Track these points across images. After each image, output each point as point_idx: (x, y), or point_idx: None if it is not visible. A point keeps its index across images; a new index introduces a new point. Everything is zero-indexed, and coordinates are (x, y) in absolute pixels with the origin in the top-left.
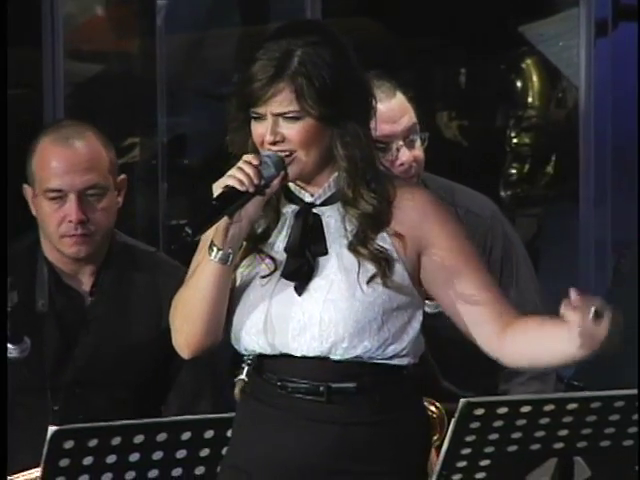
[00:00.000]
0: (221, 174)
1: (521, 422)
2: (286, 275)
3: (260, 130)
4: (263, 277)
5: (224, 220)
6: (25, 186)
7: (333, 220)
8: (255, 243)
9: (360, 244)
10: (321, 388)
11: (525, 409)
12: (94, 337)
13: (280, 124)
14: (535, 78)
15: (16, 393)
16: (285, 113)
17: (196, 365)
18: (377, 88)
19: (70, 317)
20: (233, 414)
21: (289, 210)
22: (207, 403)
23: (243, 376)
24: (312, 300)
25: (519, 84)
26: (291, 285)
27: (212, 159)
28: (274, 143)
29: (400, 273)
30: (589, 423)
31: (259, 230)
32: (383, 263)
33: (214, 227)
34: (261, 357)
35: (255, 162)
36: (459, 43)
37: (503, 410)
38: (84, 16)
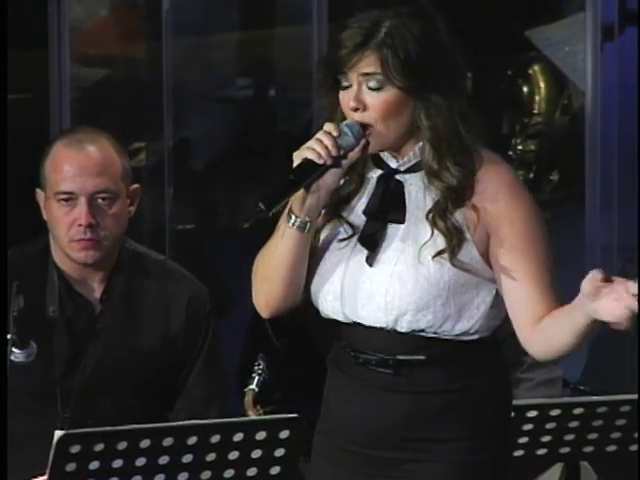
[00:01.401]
0: (227, 177)
1: (527, 427)
2: (362, 240)
3: (345, 99)
4: (341, 241)
5: (301, 191)
6: (38, 190)
7: (415, 190)
8: (337, 206)
9: (439, 215)
10: (390, 361)
11: (531, 414)
12: (103, 345)
13: (364, 92)
14: (542, 84)
15: (23, 398)
16: (369, 81)
17: (204, 373)
18: None
19: (80, 324)
20: (238, 419)
21: (373, 175)
22: (215, 411)
23: (253, 386)
24: (380, 270)
25: (526, 90)
26: (365, 253)
27: (218, 162)
28: (356, 110)
29: (468, 251)
30: (595, 427)
31: (342, 193)
32: (454, 240)
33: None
34: (340, 326)
35: (334, 133)
36: (465, 48)
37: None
38: (90, 20)
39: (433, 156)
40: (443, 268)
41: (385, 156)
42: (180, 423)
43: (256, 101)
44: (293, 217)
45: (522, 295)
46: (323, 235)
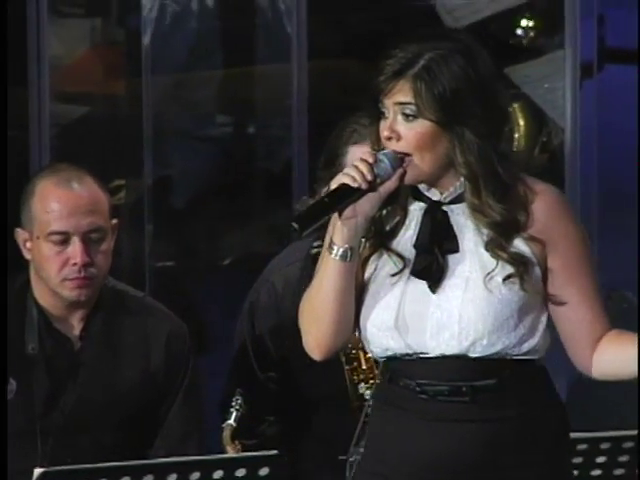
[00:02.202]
0: (206, 215)
1: None
2: (416, 273)
3: (382, 127)
4: (392, 275)
5: (335, 217)
6: (18, 230)
7: (462, 218)
8: (382, 240)
9: (498, 248)
10: (464, 388)
11: None
12: (83, 382)
13: (398, 121)
14: (521, 122)
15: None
16: (404, 104)
17: (184, 409)
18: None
19: (59, 362)
20: (218, 456)
21: (416, 208)
22: (194, 447)
23: (231, 421)
24: (449, 299)
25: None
26: (423, 283)
27: (198, 200)
28: (389, 139)
29: (537, 276)
30: (576, 465)
31: (387, 227)
32: (522, 267)
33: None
34: (394, 363)
35: (370, 160)
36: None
37: None
38: (70, 58)
39: (472, 192)
40: (512, 290)
41: (425, 189)
42: (160, 460)
43: (236, 139)
44: (335, 247)
45: (579, 314)
46: (370, 268)
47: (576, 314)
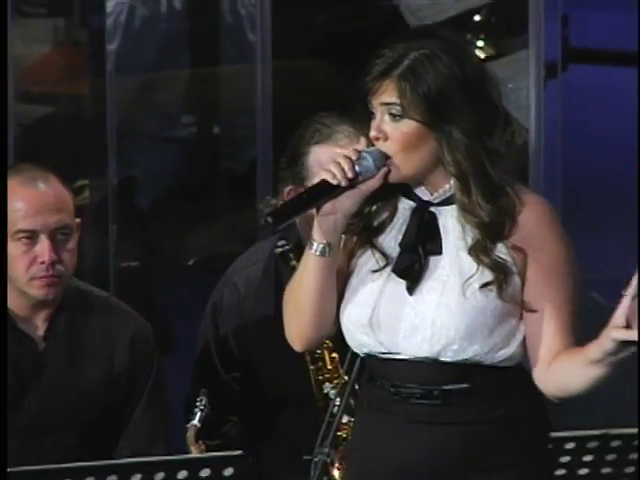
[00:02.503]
0: (171, 215)
1: None
2: (397, 271)
3: (371, 126)
4: (374, 271)
5: (312, 212)
6: None
7: (450, 221)
8: (369, 236)
9: (481, 252)
10: (435, 392)
11: None
12: (47, 383)
13: (385, 121)
14: None
15: None
16: (390, 105)
17: (149, 409)
18: (339, 133)
19: (23, 362)
20: (182, 456)
21: (405, 206)
22: (159, 448)
23: (195, 421)
24: (424, 301)
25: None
26: (402, 283)
27: (162, 200)
28: (377, 139)
29: (515, 285)
30: (585, 463)
31: (375, 223)
32: (501, 275)
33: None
34: (372, 362)
35: (353, 157)
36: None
37: None
38: (33, 58)
39: (462, 190)
40: (489, 298)
41: (416, 188)
42: (124, 460)
43: (200, 139)
44: (314, 243)
45: (542, 326)
46: (355, 263)
47: (542, 326)
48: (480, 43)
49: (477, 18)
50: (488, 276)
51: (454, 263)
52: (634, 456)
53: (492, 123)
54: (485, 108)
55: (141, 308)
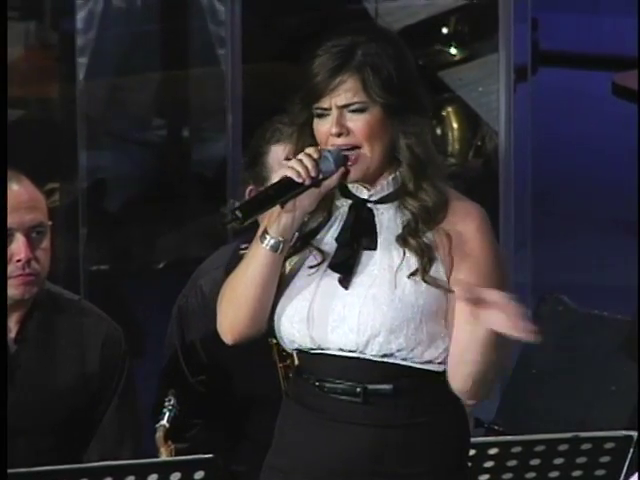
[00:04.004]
0: (141, 218)
1: None
2: (333, 266)
3: (324, 127)
4: (310, 267)
5: (277, 209)
6: None
7: (386, 218)
8: (307, 235)
9: (410, 235)
10: (358, 389)
11: None
12: (18, 385)
13: (345, 116)
14: (455, 126)
15: None
16: (350, 104)
17: (119, 412)
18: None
19: None
20: (153, 459)
21: (344, 204)
22: (129, 451)
23: (164, 422)
24: (354, 294)
25: (439, 132)
26: (336, 278)
27: (132, 203)
28: (339, 135)
29: (438, 271)
30: (510, 468)
31: (312, 222)
32: (425, 257)
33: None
34: (302, 357)
35: (315, 155)
36: None
37: None
38: None
39: (410, 177)
40: (417, 292)
41: (354, 187)
42: (94, 464)
43: (169, 142)
44: (268, 237)
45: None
46: (291, 264)
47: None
48: (450, 47)
49: (447, 22)
50: (413, 265)
51: (385, 257)
52: (604, 459)
53: (429, 111)
54: (425, 96)
55: (111, 311)
